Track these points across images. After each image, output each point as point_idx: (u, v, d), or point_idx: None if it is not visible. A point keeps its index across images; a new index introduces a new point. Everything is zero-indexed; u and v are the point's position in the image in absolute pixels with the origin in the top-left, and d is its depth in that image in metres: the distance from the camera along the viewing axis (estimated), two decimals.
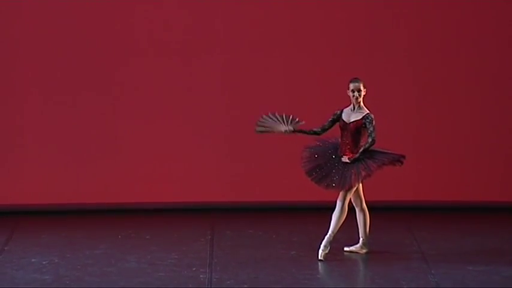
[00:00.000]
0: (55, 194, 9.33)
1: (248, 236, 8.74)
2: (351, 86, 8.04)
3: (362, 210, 8.15)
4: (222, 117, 9.40)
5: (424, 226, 9.06)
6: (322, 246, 7.98)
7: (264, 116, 8.11)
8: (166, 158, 9.39)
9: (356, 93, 8.01)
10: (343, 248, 8.24)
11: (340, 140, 8.08)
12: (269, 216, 9.37)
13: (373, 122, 7.98)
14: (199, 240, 8.65)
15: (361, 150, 7.97)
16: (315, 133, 8.08)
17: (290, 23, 9.34)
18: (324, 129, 8.08)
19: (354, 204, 8.14)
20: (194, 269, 7.88)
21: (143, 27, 9.29)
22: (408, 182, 9.42)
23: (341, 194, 8.00)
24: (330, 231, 7.99)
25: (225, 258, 8.13)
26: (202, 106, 9.39)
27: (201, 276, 7.73)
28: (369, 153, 7.98)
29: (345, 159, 7.98)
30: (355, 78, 8.07)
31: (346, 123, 8.03)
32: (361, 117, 8.01)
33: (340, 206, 8.00)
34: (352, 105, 8.06)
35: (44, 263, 8.00)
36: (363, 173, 7.92)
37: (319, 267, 7.91)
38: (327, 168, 7.99)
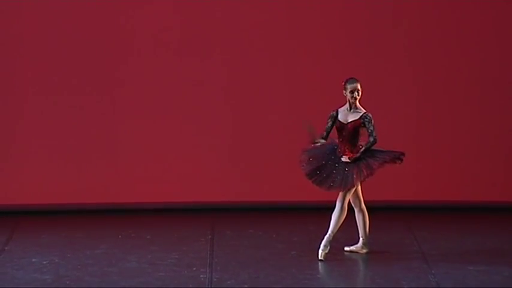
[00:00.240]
0: (55, 194, 9.33)
1: (248, 236, 8.74)
2: (349, 86, 8.01)
3: (361, 210, 8.15)
4: (223, 117, 9.40)
5: (425, 226, 9.06)
6: (322, 246, 7.98)
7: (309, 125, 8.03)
8: (167, 158, 9.39)
9: (355, 94, 8.00)
10: (343, 248, 8.24)
11: (337, 140, 8.07)
12: (269, 216, 9.37)
13: (372, 121, 7.98)
14: (199, 240, 8.64)
15: (362, 149, 7.96)
16: (324, 137, 8.07)
17: (291, 23, 9.34)
18: (328, 134, 8.08)
19: (353, 205, 8.14)
20: (194, 268, 7.88)
21: (143, 27, 9.28)
22: (408, 182, 9.42)
23: (340, 194, 8.00)
24: (329, 231, 7.99)
25: (226, 258, 8.13)
26: (202, 106, 9.39)
27: (201, 276, 7.73)
28: (369, 152, 7.98)
29: (345, 158, 7.97)
30: (352, 78, 8.05)
31: (344, 123, 8.02)
32: (358, 117, 8.00)
33: (339, 206, 8.00)
34: (348, 105, 8.04)
35: (44, 262, 7.99)
36: (365, 172, 7.92)
37: (320, 267, 7.91)
38: (327, 170, 7.98)
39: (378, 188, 9.29)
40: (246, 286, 7.53)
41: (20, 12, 9.24)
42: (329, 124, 8.06)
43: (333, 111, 8.07)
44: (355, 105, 8.02)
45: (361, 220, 8.14)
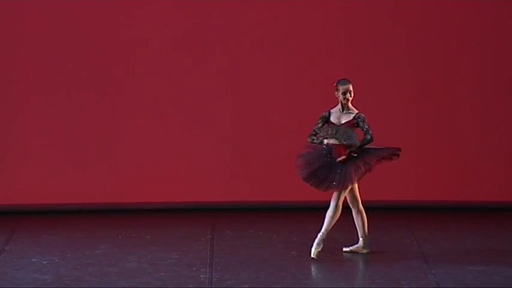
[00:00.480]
0: (55, 194, 9.33)
1: (248, 236, 8.74)
2: (341, 88, 7.98)
3: (359, 211, 8.14)
4: (223, 117, 9.40)
5: (425, 226, 9.06)
6: (314, 244, 7.98)
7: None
8: (167, 158, 9.39)
9: (348, 95, 7.97)
10: (342, 248, 8.24)
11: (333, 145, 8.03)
12: (269, 216, 9.37)
13: (366, 120, 7.96)
14: (199, 240, 8.64)
15: (357, 145, 7.95)
16: (314, 141, 8.04)
17: (291, 23, 9.34)
18: (317, 133, 8.04)
19: (351, 205, 8.13)
20: (194, 268, 7.87)
21: (144, 27, 9.28)
22: (408, 182, 9.42)
23: (335, 192, 7.99)
24: (323, 229, 7.99)
25: (226, 258, 8.13)
26: (202, 106, 9.39)
27: (201, 276, 7.73)
28: (365, 150, 7.96)
29: (341, 158, 7.95)
30: (344, 79, 8.02)
31: (337, 125, 8.00)
32: (352, 117, 7.98)
33: (334, 204, 8.00)
34: (340, 106, 8.01)
35: (44, 262, 7.99)
36: (363, 168, 7.91)
37: (320, 267, 7.91)
38: (324, 171, 7.97)
39: (378, 188, 9.29)
40: (246, 286, 7.53)
41: (20, 12, 9.24)
42: (319, 125, 8.03)
43: (325, 112, 8.05)
44: (348, 106, 8.01)
45: (360, 220, 8.14)
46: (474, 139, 9.46)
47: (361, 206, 8.13)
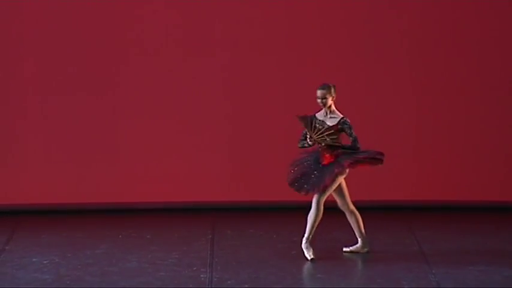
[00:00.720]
0: (56, 194, 9.33)
1: (249, 236, 8.74)
2: (317, 92, 7.96)
3: (351, 212, 8.09)
4: (223, 116, 9.40)
5: (425, 226, 9.06)
6: (304, 250, 7.97)
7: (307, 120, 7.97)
8: (167, 158, 9.39)
9: (320, 100, 7.93)
10: (342, 248, 8.24)
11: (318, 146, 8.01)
12: (270, 216, 9.37)
13: (351, 126, 7.91)
14: (199, 239, 8.65)
15: (339, 151, 7.88)
16: (304, 145, 8.02)
17: (292, 23, 9.34)
18: (305, 138, 8.02)
19: (342, 208, 8.08)
20: (195, 268, 7.88)
21: (144, 27, 9.28)
22: (408, 182, 9.42)
23: (315, 194, 7.95)
24: (306, 234, 7.98)
25: (226, 258, 8.13)
26: (202, 106, 9.39)
27: (201, 276, 7.73)
28: (348, 154, 7.91)
29: (326, 162, 7.91)
30: (322, 84, 7.99)
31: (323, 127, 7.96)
32: (336, 122, 7.95)
33: (314, 206, 7.97)
34: (323, 111, 7.99)
35: (44, 262, 7.99)
36: (336, 170, 7.86)
37: (320, 268, 7.91)
38: (306, 176, 7.93)
39: (378, 188, 9.30)
40: (246, 286, 7.53)
41: (21, 12, 9.24)
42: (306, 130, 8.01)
43: (308, 115, 8.01)
44: (330, 110, 7.98)
45: (355, 221, 8.11)
46: (474, 139, 9.45)
47: (352, 206, 8.09)
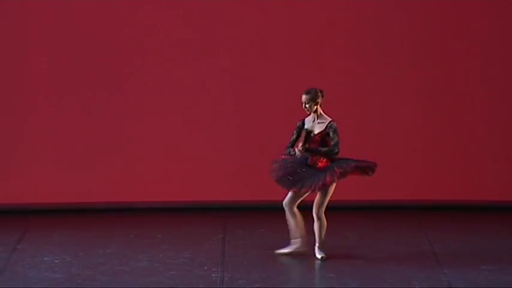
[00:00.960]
0: (67, 193, 9.35)
1: (260, 235, 8.73)
2: (302, 98, 7.92)
3: (319, 218, 7.98)
4: (233, 116, 9.40)
5: (436, 225, 9.04)
6: (317, 255, 7.93)
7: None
8: (178, 157, 9.40)
9: (303, 106, 7.89)
10: (353, 248, 8.23)
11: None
12: (281, 215, 9.37)
13: (337, 130, 7.84)
14: (210, 239, 8.65)
15: (319, 150, 7.79)
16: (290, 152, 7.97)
17: (297, 24, 9.34)
18: (293, 145, 7.98)
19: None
20: (206, 268, 7.88)
21: (153, 27, 9.29)
22: (420, 181, 9.40)
23: (314, 205, 7.88)
24: (317, 244, 7.96)
25: (237, 258, 8.13)
26: (213, 105, 9.39)
27: (212, 275, 7.73)
28: (342, 158, 7.86)
29: (320, 165, 7.85)
30: (308, 89, 7.93)
31: (311, 135, 7.93)
32: (324, 127, 7.90)
33: (316, 218, 7.92)
34: (312, 115, 7.94)
35: (56, 261, 8.01)
36: (338, 171, 7.77)
37: (331, 267, 7.90)
38: (299, 174, 7.87)
39: (389, 188, 9.28)
40: (257, 285, 7.53)
41: (31, 12, 9.26)
42: (294, 137, 7.98)
43: (299, 121, 7.97)
44: (317, 115, 7.93)
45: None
46: (486, 138, 9.43)
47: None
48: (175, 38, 9.31)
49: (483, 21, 9.31)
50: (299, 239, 8.04)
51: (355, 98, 9.36)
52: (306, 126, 7.96)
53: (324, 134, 7.90)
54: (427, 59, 9.37)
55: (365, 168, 7.90)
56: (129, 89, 9.40)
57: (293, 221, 8.01)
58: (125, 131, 9.40)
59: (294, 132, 8.00)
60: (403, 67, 9.38)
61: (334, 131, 7.86)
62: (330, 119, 7.91)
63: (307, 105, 7.90)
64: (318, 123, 7.91)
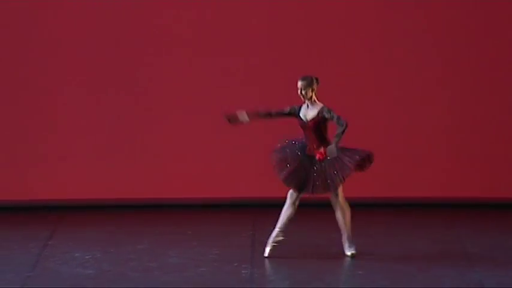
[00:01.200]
0: (98, 189, 9.39)
1: (289, 232, 8.71)
2: (297, 84, 7.91)
3: (341, 208, 7.97)
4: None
5: (468, 223, 8.98)
6: (346, 247, 7.94)
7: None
8: (208, 154, 9.41)
9: (299, 92, 7.88)
10: (381, 246, 8.20)
11: (304, 139, 7.96)
12: (310, 212, 9.34)
13: (331, 109, 7.82)
14: (240, 235, 8.65)
15: (336, 139, 7.77)
16: (269, 114, 7.96)
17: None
18: (278, 114, 7.94)
19: (292, 198, 7.96)
20: (236, 264, 7.88)
21: (177, 26, 9.31)
22: (451, 178, 9.34)
23: (332, 196, 7.89)
24: (343, 235, 7.94)
25: None
26: (240, 102, 9.38)
27: (242, 272, 7.74)
28: (340, 149, 7.81)
29: (318, 156, 7.83)
30: (303, 76, 7.93)
31: (305, 122, 7.93)
32: (317, 113, 7.88)
33: (337, 207, 7.93)
34: (306, 102, 7.93)
35: (87, 257, 8.05)
36: (341, 174, 7.78)
37: (360, 264, 7.87)
38: (303, 173, 7.87)
39: (421, 185, 9.23)
40: (287, 282, 7.52)
41: (61, 13, 9.31)
42: (285, 110, 7.94)
43: (297, 106, 7.95)
44: (311, 102, 7.91)
45: (289, 214, 7.97)
46: None
47: (296, 205, 7.91)
48: (198, 38, 9.32)
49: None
50: (277, 229, 8.00)
51: (381, 95, 9.32)
52: (301, 113, 7.94)
53: (317, 119, 7.86)
54: (453, 55, 9.31)
55: (362, 162, 7.81)
56: (159, 87, 9.41)
57: (289, 212, 7.96)
58: (155, 128, 9.42)
59: (287, 108, 7.95)
60: (429, 63, 9.32)
61: (328, 111, 7.84)
62: (322, 105, 7.90)
63: (303, 92, 7.90)
64: (311, 109, 7.91)
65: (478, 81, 9.39)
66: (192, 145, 9.43)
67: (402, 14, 9.27)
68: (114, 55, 9.35)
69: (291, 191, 8.01)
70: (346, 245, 8.00)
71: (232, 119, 8.05)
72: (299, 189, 7.95)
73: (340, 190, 7.95)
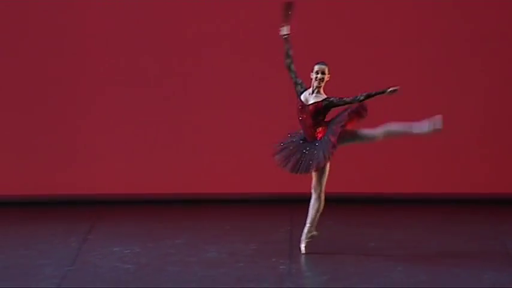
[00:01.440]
0: (137, 184, 9.44)
1: (328, 227, 8.70)
2: (316, 67, 7.83)
3: (318, 198, 7.93)
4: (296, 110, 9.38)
5: (509, 220, 8.91)
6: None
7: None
8: (246, 149, 9.42)
9: (319, 75, 7.81)
10: (423, 241, 8.15)
11: (301, 128, 7.90)
12: (348, 207, 9.34)
13: (337, 97, 7.73)
14: (278, 231, 8.66)
15: (373, 92, 7.67)
16: (288, 56, 7.85)
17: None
18: (290, 64, 7.83)
19: (313, 190, 7.92)
20: (273, 260, 7.89)
21: (209, 24, 9.33)
22: (490, 174, 9.28)
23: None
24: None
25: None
26: (274, 98, 9.39)
27: (280, 267, 7.74)
28: (329, 122, 7.76)
29: (320, 135, 7.78)
30: (322, 61, 7.86)
31: (305, 105, 7.86)
32: (321, 99, 7.82)
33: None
34: (312, 88, 7.85)
35: (125, 252, 8.09)
36: (331, 139, 7.69)
37: (400, 260, 7.84)
38: (297, 155, 7.84)
39: (462, 181, 9.18)
40: (325, 277, 7.52)
41: (89, 10, 9.36)
42: (296, 74, 7.85)
43: (303, 88, 7.84)
44: (318, 90, 7.84)
45: (315, 208, 7.92)
46: None
47: (322, 195, 7.90)
48: (234, 36, 9.32)
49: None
50: (308, 224, 7.96)
51: (424, 95, 9.28)
52: (302, 96, 7.88)
53: (320, 105, 7.80)
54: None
55: (358, 110, 7.75)
56: (200, 81, 9.44)
57: (316, 206, 7.94)
58: (194, 123, 9.45)
59: (299, 80, 7.86)
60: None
61: (339, 98, 7.74)
62: (326, 96, 7.84)
63: (322, 75, 7.82)
64: (315, 96, 7.85)
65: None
66: (231, 140, 9.45)
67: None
68: (150, 51, 9.38)
69: (313, 184, 7.95)
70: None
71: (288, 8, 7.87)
72: (293, 171, 7.88)
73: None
